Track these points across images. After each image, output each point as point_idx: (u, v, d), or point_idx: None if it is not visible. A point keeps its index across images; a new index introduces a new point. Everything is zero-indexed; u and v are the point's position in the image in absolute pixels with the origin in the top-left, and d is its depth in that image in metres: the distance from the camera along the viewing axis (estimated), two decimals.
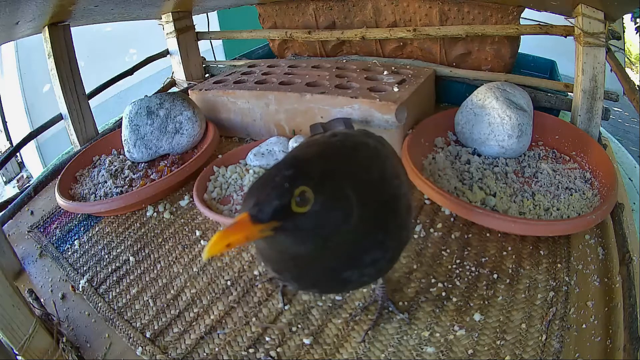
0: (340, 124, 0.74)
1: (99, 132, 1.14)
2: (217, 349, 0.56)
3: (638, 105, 0.78)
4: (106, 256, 0.75)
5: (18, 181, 2.82)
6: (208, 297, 0.63)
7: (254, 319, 0.59)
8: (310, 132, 0.77)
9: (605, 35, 0.80)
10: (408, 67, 1.09)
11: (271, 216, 0.34)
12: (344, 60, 1.19)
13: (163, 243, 0.76)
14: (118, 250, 0.76)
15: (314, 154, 0.39)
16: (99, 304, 0.65)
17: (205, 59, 1.41)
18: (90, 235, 0.81)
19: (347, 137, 0.49)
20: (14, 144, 1.07)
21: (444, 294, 0.59)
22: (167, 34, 1.29)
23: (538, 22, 0.94)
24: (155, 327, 0.60)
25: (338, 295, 0.61)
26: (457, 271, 0.63)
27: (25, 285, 0.71)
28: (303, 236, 0.37)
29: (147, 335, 0.59)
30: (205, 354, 0.56)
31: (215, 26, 1.76)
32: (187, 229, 0.78)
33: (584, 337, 0.53)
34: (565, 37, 0.89)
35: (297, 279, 0.44)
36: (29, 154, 2.75)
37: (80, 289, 0.69)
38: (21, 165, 2.95)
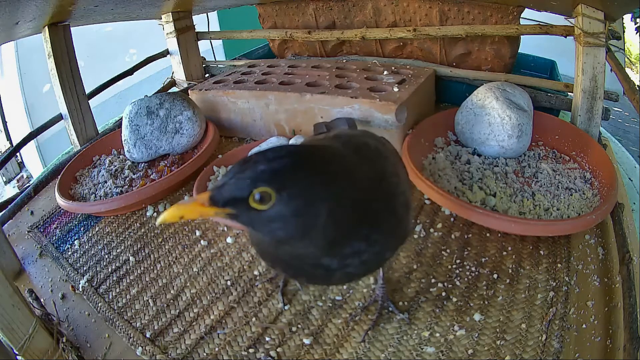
0: (343, 123, 0.74)
1: (99, 132, 1.14)
2: (217, 349, 0.56)
3: (638, 105, 0.78)
4: (106, 256, 0.75)
5: (18, 181, 2.81)
6: (208, 297, 0.63)
7: (254, 319, 0.59)
8: (314, 132, 0.77)
9: (605, 35, 0.80)
10: (408, 67, 1.09)
11: (225, 204, 0.36)
12: (344, 60, 1.19)
13: (163, 243, 0.76)
14: (118, 250, 0.76)
15: (302, 153, 0.38)
16: (99, 304, 0.65)
17: (205, 59, 1.41)
18: (90, 235, 0.81)
19: (349, 138, 0.49)
20: (14, 144, 1.07)
21: (444, 294, 0.59)
22: (167, 34, 1.29)
23: (538, 22, 0.94)
24: (155, 327, 0.60)
25: (338, 294, 0.61)
26: (457, 271, 0.63)
27: (25, 285, 0.71)
28: (258, 229, 0.38)
29: (147, 335, 0.59)
30: (205, 354, 0.56)
31: (215, 26, 1.76)
32: (187, 229, 0.78)
33: (584, 337, 0.53)
34: (565, 37, 0.89)
35: (280, 266, 0.46)
36: (29, 154, 2.74)
37: (80, 289, 0.69)
38: (21, 165, 2.94)
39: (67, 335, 0.60)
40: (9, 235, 0.84)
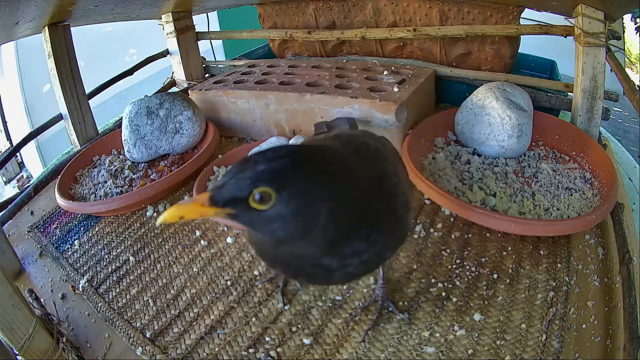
0: (344, 123, 0.73)
1: (99, 132, 1.14)
2: (217, 349, 0.56)
3: (638, 105, 0.78)
4: (106, 256, 0.75)
5: (18, 181, 2.81)
6: (208, 297, 0.63)
7: (254, 319, 0.59)
8: (315, 131, 0.77)
9: (605, 35, 0.80)
10: (408, 67, 1.09)
11: (225, 204, 0.36)
12: (344, 60, 1.19)
13: (163, 243, 0.76)
14: (118, 250, 0.76)
15: (302, 153, 0.38)
16: (99, 304, 0.65)
17: (205, 59, 1.41)
18: (90, 235, 0.81)
19: (349, 138, 0.49)
20: (14, 144, 1.07)
21: (444, 294, 0.59)
22: (167, 34, 1.29)
23: (538, 22, 0.94)
24: (155, 327, 0.60)
25: (338, 294, 0.61)
26: (457, 271, 0.63)
27: (25, 285, 0.71)
28: (258, 229, 0.38)
29: (147, 335, 0.59)
30: (205, 354, 0.56)
31: (215, 26, 1.76)
32: (187, 229, 0.78)
33: (584, 337, 0.53)
34: (565, 37, 0.89)
35: (280, 266, 0.46)
36: (29, 154, 2.74)
37: (80, 289, 0.69)
38: (21, 165, 2.94)
39: (67, 335, 0.60)
40: (9, 235, 0.84)
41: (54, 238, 0.82)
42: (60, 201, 0.83)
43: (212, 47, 1.48)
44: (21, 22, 0.85)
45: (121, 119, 0.99)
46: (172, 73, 1.37)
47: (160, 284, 0.67)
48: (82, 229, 0.83)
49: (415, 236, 0.70)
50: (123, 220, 0.83)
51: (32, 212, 0.92)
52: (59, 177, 0.91)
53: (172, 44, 1.30)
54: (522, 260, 0.64)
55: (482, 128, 0.84)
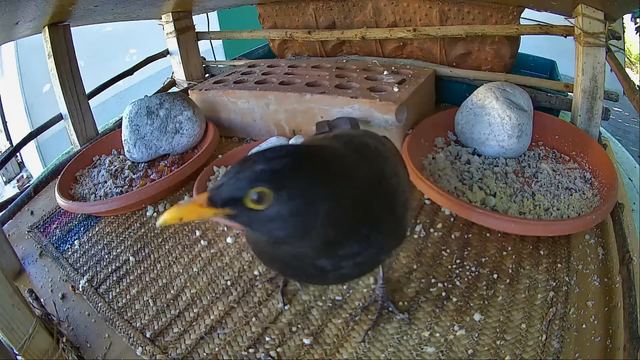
0: (345, 122, 0.73)
1: (99, 132, 1.14)
2: (217, 349, 0.56)
3: (638, 105, 0.78)
4: (106, 256, 0.75)
5: (18, 181, 2.81)
6: (208, 297, 0.63)
7: (254, 319, 0.59)
8: (316, 130, 0.77)
9: (605, 35, 0.80)
10: (408, 67, 1.09)
11: (223, 204, 0.36)
12: (344, 60, 1.19)
13: (163, 243, 0.76)
14: (118, 250, 0.76)
15: (302, 153, 0.38)
16: (99, 304, 0.65)
17: (205, 59, 1.41)
18: (90, 235, 0.81)
19: (350, 138, 0.49)
20: (14, 144, 1.07)
21: (444, 294, 0.59)
22: (167, 34, 1.29)
23: (538, 22, 0.94)
24: (155, 327, 0.60)
25: (338, 294, 0.61)
26: (457, 271, 0.63)
27: (25, 285, 0.71)
28: (256, 229, 0.38)
29: (147, 335, 0.59)
30: (205, 354, 0.56)
31: (215, 26, 1.76)
32: (187, 229, 0.78)
33: (584, 337, 0.53)
34: (565, 37, 0.89)
35: (278, 265, 0.46)
36: (29, 154, 2.74)
37: (80, 289, 0.69)
38: (21, 165, 2.94)
39: (67, 335, 0.60)
40: (9, 235, 0.84)
41: (54, 238, 0.82)
42: (60, 201, 0.83)
43: (212, 47, 1.48)
44: (21, 22, 0.85)
45: (121, 119, 0.99)
46: (172, 73, 1.37)
47: (160, 284, 0.67)
48: (82, 229, 0.83)
49: (415, 236, 0.70)
50: (123, 220, 0.83)
51: (32, 212, 0.92)
52: (59, 177, 0.91)
53: (172, 44, 1.30)
54: (522, 260, 0.64)
55: (482, 128, 0.84)
